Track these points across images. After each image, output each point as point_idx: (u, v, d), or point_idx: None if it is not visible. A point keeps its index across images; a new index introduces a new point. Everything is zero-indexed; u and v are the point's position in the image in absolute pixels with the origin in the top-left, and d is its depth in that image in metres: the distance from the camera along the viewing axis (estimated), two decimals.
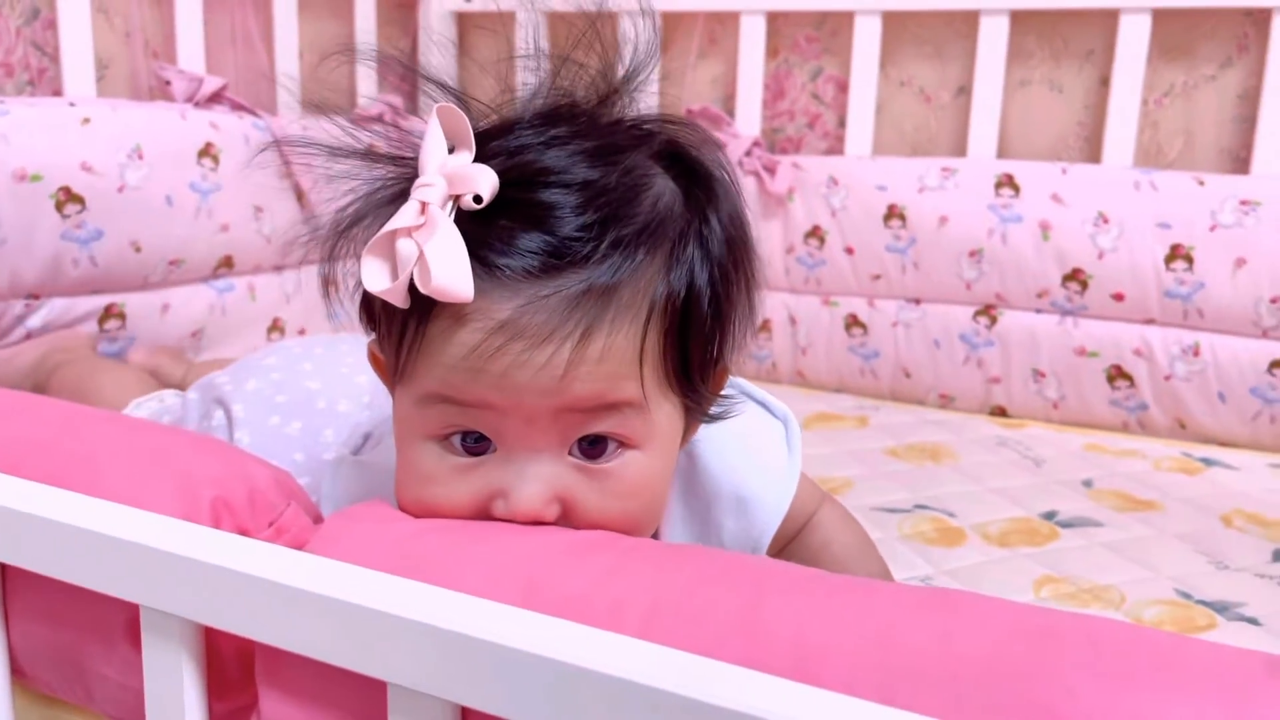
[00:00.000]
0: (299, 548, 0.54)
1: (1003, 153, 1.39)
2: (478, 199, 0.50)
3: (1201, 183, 1.24)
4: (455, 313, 0.51)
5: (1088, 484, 1.09)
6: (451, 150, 0.54)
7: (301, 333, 1.37)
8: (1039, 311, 1.32)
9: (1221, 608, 0.82)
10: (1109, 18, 1.31)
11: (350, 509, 0.56)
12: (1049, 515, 1.01)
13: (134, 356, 1.10)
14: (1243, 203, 1.21)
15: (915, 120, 1.46)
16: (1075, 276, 1.28)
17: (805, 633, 0.44)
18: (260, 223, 1.29)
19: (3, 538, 0.55)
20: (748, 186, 1.43)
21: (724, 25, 1.54)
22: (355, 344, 0.91)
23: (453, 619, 0.45)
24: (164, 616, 0.51)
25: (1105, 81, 1.35)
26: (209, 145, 1.22)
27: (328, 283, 0.62)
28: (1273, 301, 1.20)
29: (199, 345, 1.23)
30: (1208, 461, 1.19)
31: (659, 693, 0.40)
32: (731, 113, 1.53)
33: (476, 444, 0.54)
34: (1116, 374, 1.29)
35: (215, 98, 1.27)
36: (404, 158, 0.58)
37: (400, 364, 0.54)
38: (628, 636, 0.43)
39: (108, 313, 1.13)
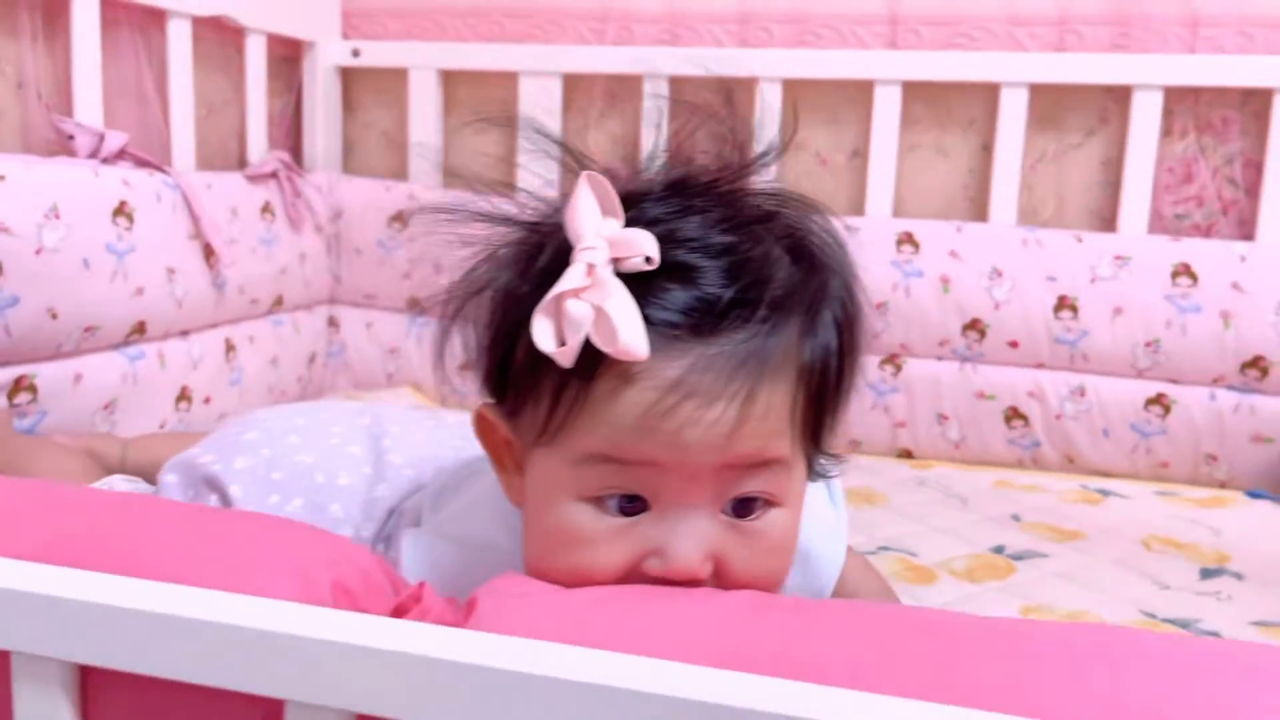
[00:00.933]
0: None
1: (898, 212, 1.49)
2: (648, 260, 0.52)
3: (1080, 239, 1.37)
4: (623, 372, 0.52)
5: (1016, 518, 1.18)
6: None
7: (208, 401, 1.30)
8: (940, 359, 1.42)
9: (1184, 624, 0.90)
10: (990, 90, 1.44)
11: (494, 584, 0.54)
12: (999, 550, 1.08)
13: (59, 440, 1.00)
14: (1116, 258, 1.35)
15: (812, 181, 1.54)
16: (974, 326, 1.39)
17: (1011, 679, 0.47)
18: (173, 285, 1.21)
19: (93, 638, 0.51)
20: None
21: (623, 86, 1.58)
22: (334, 412, 0.88)
23: (680, 686, 0.45)
24: (317, 710, 0.49)
25: (986, 148, 1.47)
26: (123, 203, 1.14)
27: (443, 345, 0.62)
28: (1147, 345, 1.34)
29: (112, 419, 1.14)
30: (1103, 492, 1.31)
31: None
32: (637, 172, 1.56)
33: (631, 504, 0.54)
34: (1013, 415, 1.40)
35: (120, 153, 1.19)
36: (534, 223, 0.60)
37: (550, 426, 0.54)
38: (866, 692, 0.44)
39: (17, 385, 1.04)
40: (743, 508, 0.55)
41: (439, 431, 0.87)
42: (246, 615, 0.49)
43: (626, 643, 0.49)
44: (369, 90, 1.69)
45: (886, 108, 1.46)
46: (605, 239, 0.53)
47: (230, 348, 1.35)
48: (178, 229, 1.23)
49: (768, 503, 0.56)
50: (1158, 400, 1.35)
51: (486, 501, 0.67)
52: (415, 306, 1.60)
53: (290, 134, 1.64)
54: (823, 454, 0.60)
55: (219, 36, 1.45)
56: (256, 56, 1.48)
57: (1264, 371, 1.31)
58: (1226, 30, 1.36)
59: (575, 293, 0.51)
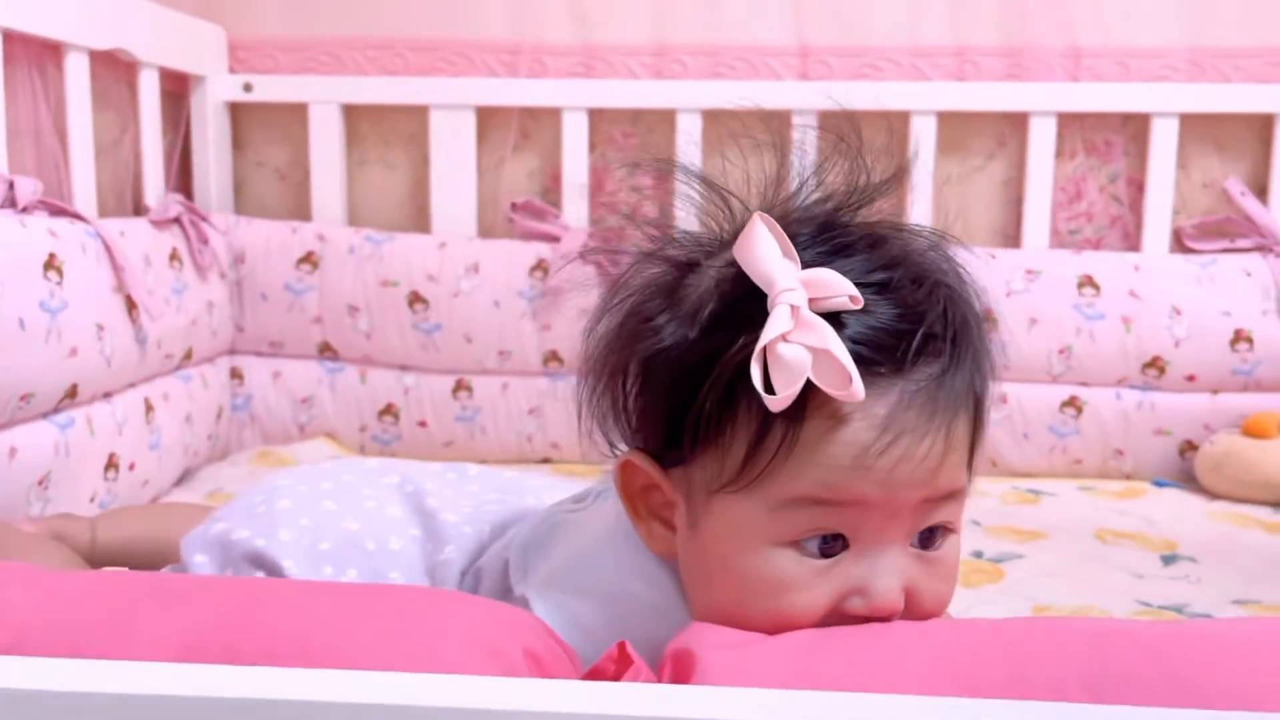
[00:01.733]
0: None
1: None
2: (854, 300, 0.52)
3: (993, 256, 1.46)
4: (834, 413, 0.52)
5: (977, 523, 1.24)
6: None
7: (132, 468, 1.19)
8: None
9: (1179, 609, 0.98)
10: (899, 119, 1.51)
11: (698, 637, 0.52)
12: (978, 554, 1.13)
13: (24, 526, 0.89)
14: (1028, 272, 1.45)
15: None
16: None
17: (1237, 688, 0.49)
18: (103, 343, 1.11)
19: None
20: (589, 273, 1.46)
21: (537, 120, 1.57)
22: (357, 473, 0.82)
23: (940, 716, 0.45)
24: None
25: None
26: (52, 256, 1.04)
27: (602, 397, 0.60)
28: (1060, 352, 1.44)
29: (46, 495, 1.03)
30: (1035, 492, 1.39)
31: None
32: (554, 205, 1.55)
33: (830, 545, 0.54)
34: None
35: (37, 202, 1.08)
36: (676, 259, 0.59)
37: (749, 472, 0.54)
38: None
39: None
40: (927, 537, 0.56)
41: (467, 485, 0.84)
42: (474, 695, 0.45)
43: (868, 683, 0.49)
44: (258, 127, 1.60)
45: (802, 137, 1.50)
46: (800, 280, 0.52)
47: (149, 408, 1.24)
48: (102, 282, 1.13)
49: (946, 530, 0.57)
50: (1071, 402, 1.45)
51: (607, 553, 0.65)
52: (327, 351, 1.52)
53: (178, 174, 1.53)
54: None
55: (110, 72, 1.34)
56: (150, 92, 1.37)
57: (1161, 370, 1.43)
58: (1105, 60, 1.48)
59: (783, 337, 0.51)
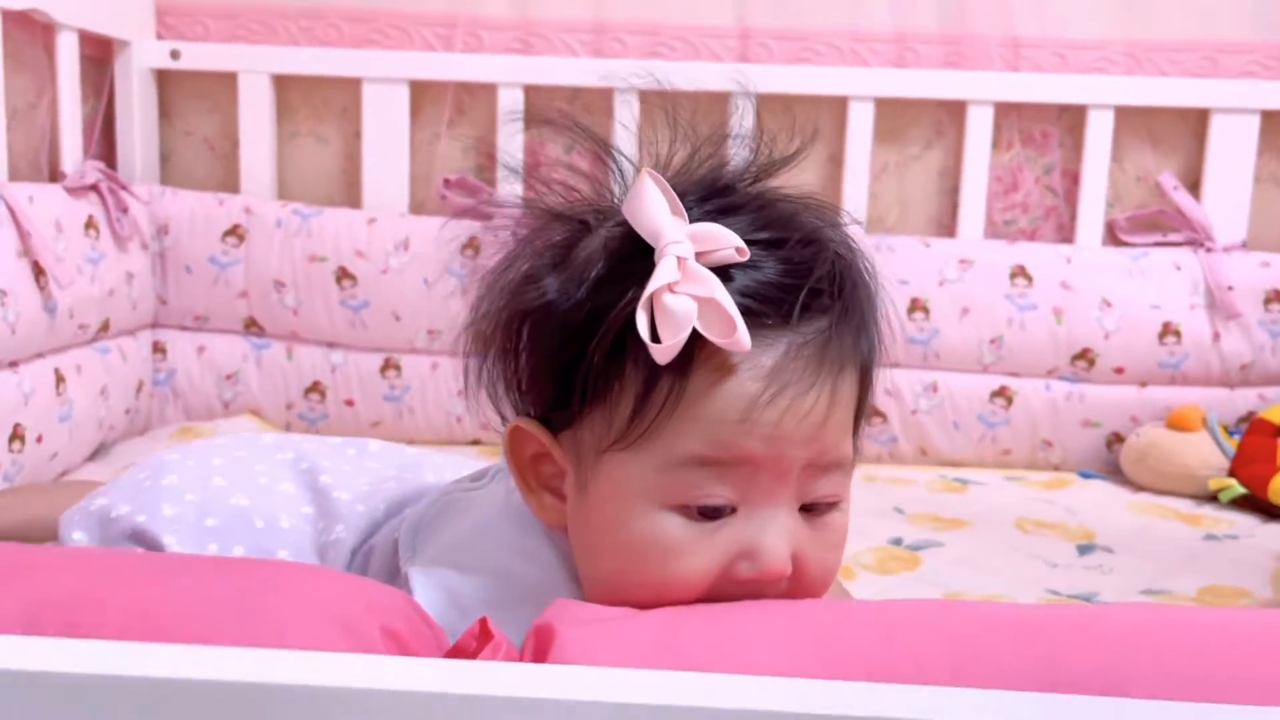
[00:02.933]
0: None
1: None
2: (740, 251, 0.52)
3: (927, 245, 1.46)
4: (719, 365, 0.52)
5: (899, 510, 1.24)
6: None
7: (40, 440, 1.15)
8: None
9: (1086, 598, 0.98)
10: (837, 104, 1.50)
11: (562, 613, 0.51)
12: (896, 542, 1.13)
13: None
14: (961, 261, 1.44)
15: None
16: None
17: (1109, 672, 0.49)
18: (5, 309, 1.07)
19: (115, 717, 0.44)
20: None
21: (472, 95, 1.54)
22: (251, 449, 0.80)
23: (791, 699, 0.43)
24: None
25: (834, 159, 1.53)
26: None
27: (487, 351, 0.59)
28: (991, 342, 1.44)
29: None
30: (962, 481, 1.39)
31: None
32: (489, 182, 1.53)
33: (715, 512, 0.54)
34: (873, 412, 1.46)
35: None
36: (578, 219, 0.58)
37: (636, 428, 0.53)
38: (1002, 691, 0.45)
39: None
40: (815, 504, 0.56)
41: (367, 461, 0.82)
42: (307, 672, 0.43)
43: (725, 661, 0.48)
44: (187, 96, 1.57)
45: (741, 120, 1.49)
46: (687, 234, 0.52)
47: (60, 379, 1.21)
48: (5, 246, 1.09)
49: (831, 502, 0.56)
50: (1001, 393, 1.45)
51: (493, 531, 0.64)
52: (253, 327, 1.49)
53: (100, 142, 1.49)
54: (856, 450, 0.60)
55: (26, 34, 1.30)
56: (69, 56, 1.33)
57: (1090, 362, 1.44)
58: (1044, 51, 1.48)
59: (669, 288, 0.50)
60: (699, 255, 0.52)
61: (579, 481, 0.56)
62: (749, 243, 0.53)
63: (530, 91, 1.52)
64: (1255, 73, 1.47)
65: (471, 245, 1.45)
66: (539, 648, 0.50)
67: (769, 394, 0.51)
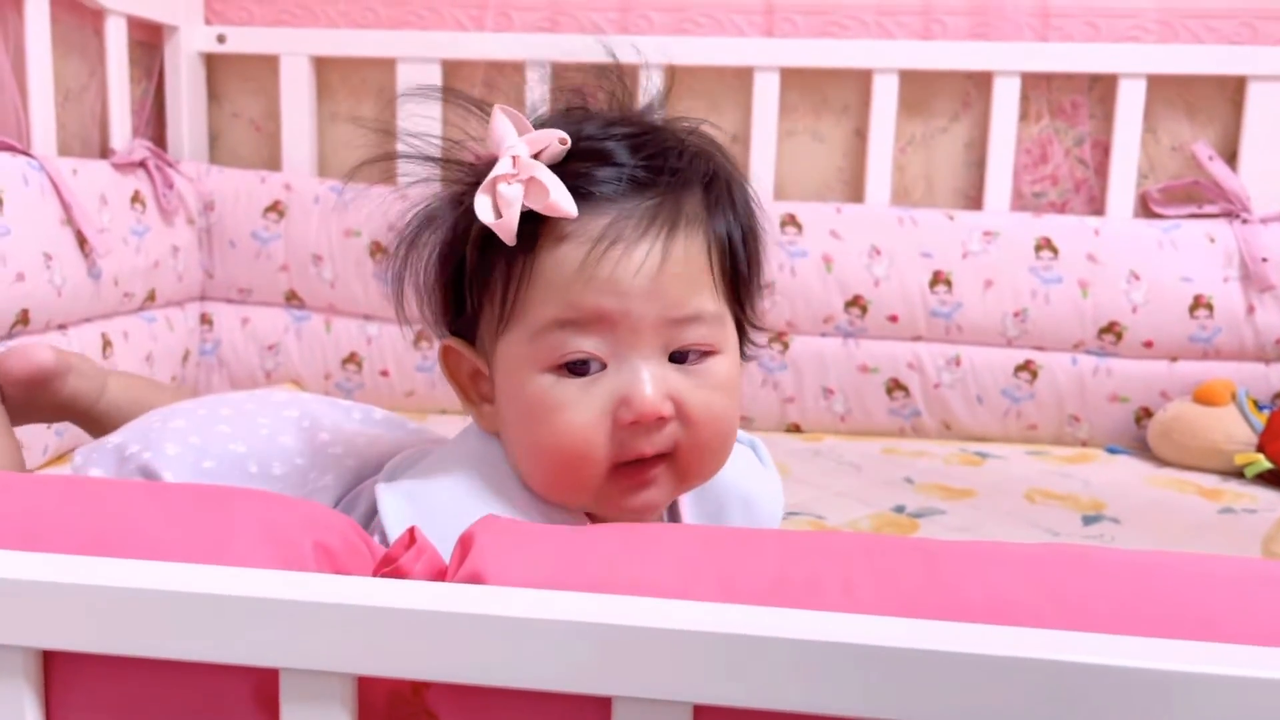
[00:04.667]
0: (441, 579, 0.52)
1: (778, 195, 1.54)
2: (563, 141, 0.60)
3: (951, 217, 1.45)
4: (559, 235, 0.60)
5: (910, 480, 1.24)
6: None
7: None
8: (825, 335, 1.47)
9: None
10: (862, 77, 1.50)
11: (480, 524, 0.54)
12: (899, 509, 1.13)
13: (43, 354, 0.90)
14: (985, 234, 1.43)
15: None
16: (856, 302, 1.45)
17: (989, 588, 0.50)
18: (51, 272, 1.14)
19: (57, 621, 0.48)
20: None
21: (503, 73, 1.58)
22: (260, 403, 0.85)
23: (687, 620, 0.46)
24: (315, 676, 0.47)
25: (859, 132, 1.54)
26: None
27: (399, 293, 0.66)
28: (1015, 315, 1.43)
29: None
30: (981, 455, 1.38)
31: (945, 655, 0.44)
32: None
33: (584, 367, 0.61)
34: (894, 386, 1.46)
35: None
36: (463, 163, 0.67)
37: (508, 308, 0.61)
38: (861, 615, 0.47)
39: None
40: (685, 355, 0.62)
41: (370, 427, 0.86)
42: (232, 584, 0.47)
43: (626, 581, 0.50)
44: (235, 78, 1.63)
45: (765, 94, 1.50)
46: (523, 140, 0.61)
47: (106, 343, 1.28)
48: (48, 214, 1.17)
49: (706, 352, 0.63)
50: (1026, 367, 1.44)
51: (454, 448, 0.69)
52: (294, 300, 1.55)
53: (152, 123, 1.57)
54: (749, 321, 0.67)
55: (76, 19, 1.38)
56: (117, 40, 1.41)
57: (1118, 336, 1.42)
58: (1074, 20, 1.46)
59: (506, 179, 0.59)
60: (537, 155, 0.60)
61: (491, 376, 0.64)
62: (600, 138, 0.62)
63: (558, 69, 1.54)
64: None
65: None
66: (461, 554, 0.54)
67: (599, 249, 0.59)
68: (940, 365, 1.45)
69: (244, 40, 1.57)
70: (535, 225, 0.59)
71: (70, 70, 1.38)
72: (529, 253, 0.60)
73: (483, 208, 0.59)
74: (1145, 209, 1.49)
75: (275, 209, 1.53)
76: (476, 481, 0.64)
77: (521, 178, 0.59)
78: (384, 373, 1.54)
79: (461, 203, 0.64)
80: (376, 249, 1.50)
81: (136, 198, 1.37)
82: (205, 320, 1.56)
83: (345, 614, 0.46)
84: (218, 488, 0.59)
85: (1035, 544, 0.54)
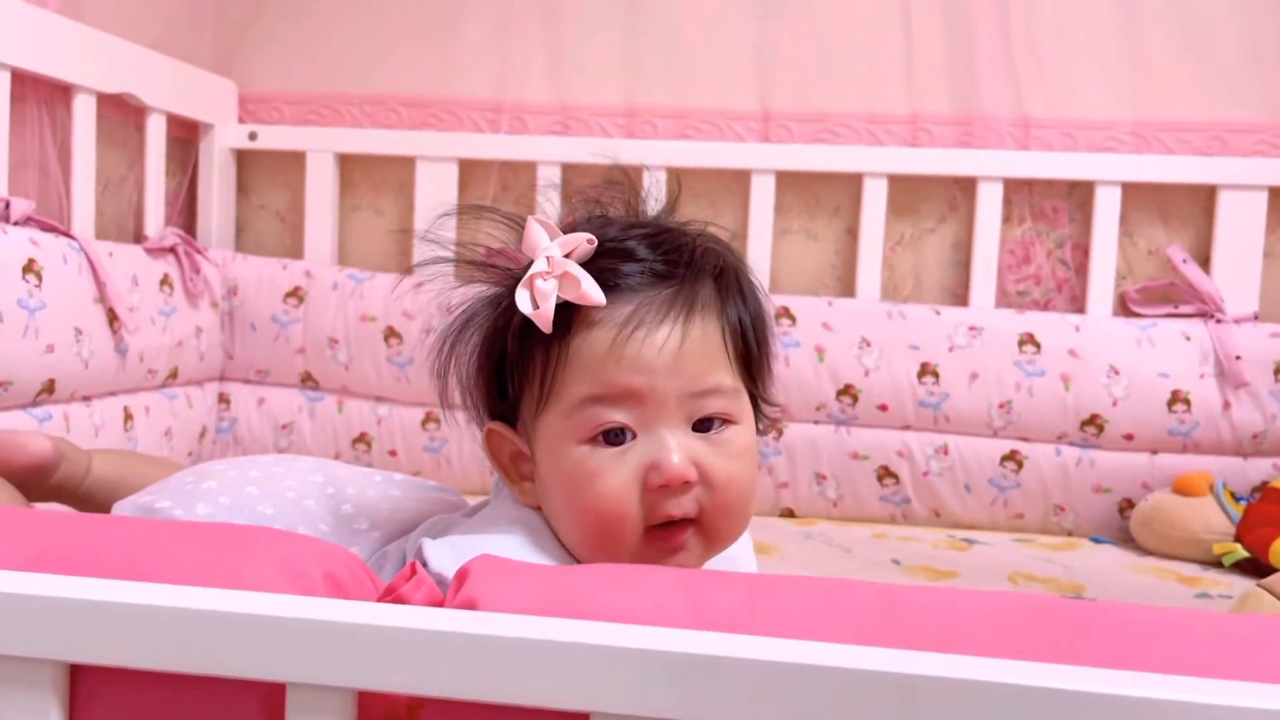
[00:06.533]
0: (440, 604, 0.57)
1: (774, 289, 1.61)
2: (590, 241, 0.68)
3: (938, 312, 1.52)
4: (589, 323, 0.67)
5: (897, 563, 1.28)
6: None
7: None
8: (817, 423, 1.53)
9: None
10: (854, 180, 1.59)
11: (478, 560, 0.59)
12: None
13: (36, 442, 0.95)
14: (970, 328, 1.50)
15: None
16: (847, 391, 1.51)
17: (939, 615, 0.55)
18: (80, 346, 1.22)
19: (85, 636, 0.53)
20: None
21: (515, 173, 1.67)
22: (287, 466, 0.90)
23: (658, 641, 0.50)
24: (319, 690, 0.52)
25: (851, 232, 1.62)
26: (31, 261, 1.15)
27: (444, 385, 0.75)
28: (1000, 406, 1.48)
29: None
30: (969, 541, 1.43)
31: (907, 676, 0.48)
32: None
33: (617, 438, 0.68)
34: (884, 473, 1.51)
35: (26, 219, 1.20)
36: (501, 267, 0.75)
37: (547, 388, 0.68)
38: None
39: None
40: (707, 425, 0.69)
41: (391, 490, 0.91)
42: (245, 605, 0.52)
43: (605, 609, 0.55)
44: (263, 172, 1.73)
45: (762, 195, 1.59)
46: (556, 243, 0.69)
47: (128, 417, 1.35)
48: (83, 291, 1.24)
49: (726, 422, 0.69)
50: (1012, 456, 1.49)
51: (493, 512, 0.75)
52: (309, 381, 1.62)
53: (184, 212, 1.66)
54: (763, 397, 0.74)
55: (120, 114, 1.48)
56: (157, 135, 1.51)
57: (1100, 428, 1.47)
58: (1053, 131, 1.55)
59: (542, 276, 0.67)
60: (568, 255, 0.68)
61: (533, 454, 0.70)
62: (623, 239, 0.70)
63: (567, 169, 1.64)
64: (1264, 151, 1.52)
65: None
66: (457, 584, 0.59)
67: (626, 332, 0.66)
68: (929, 454, 1.50)
69: (274, 138, 1.67)
70: (569, 314, 0.67)
71: (111, 161, 1.48)
72: (564, 338, 0.67)
73: (523, 301, 0.67)
74: (1124, 308, 1.56)
75: (295, 294, 1.61)
76: (521, 540, 0.70)
77: (555, 274, 0.67)
78: (392, 452, 1.60)
79: (500, 303, 0.72)
80: (390, 334, 1.58)
81: (165, 280, 1.45)
82: (223, 399, 1.63)
83: (348, 633, 0.51)
84: (239, 525, 0.65)
85: (1000, 593, 0.59)
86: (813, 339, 1.51)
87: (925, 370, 1.49)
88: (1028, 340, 1.49)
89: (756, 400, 0.74)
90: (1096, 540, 1.46)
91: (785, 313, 1.53)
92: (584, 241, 0.68)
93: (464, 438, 1.58)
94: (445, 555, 0.69)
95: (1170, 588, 1.23)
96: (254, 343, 1.62)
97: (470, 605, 0.56)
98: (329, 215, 1.68)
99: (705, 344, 0.68)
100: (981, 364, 1.49)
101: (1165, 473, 1.46)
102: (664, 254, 0.69)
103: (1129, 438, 1.47)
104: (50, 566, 0.58)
